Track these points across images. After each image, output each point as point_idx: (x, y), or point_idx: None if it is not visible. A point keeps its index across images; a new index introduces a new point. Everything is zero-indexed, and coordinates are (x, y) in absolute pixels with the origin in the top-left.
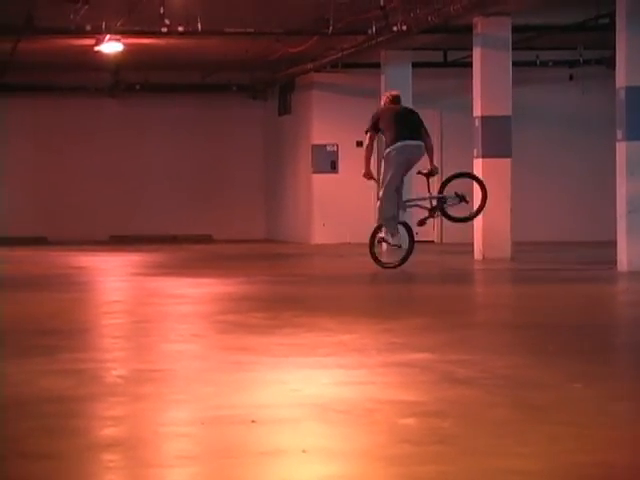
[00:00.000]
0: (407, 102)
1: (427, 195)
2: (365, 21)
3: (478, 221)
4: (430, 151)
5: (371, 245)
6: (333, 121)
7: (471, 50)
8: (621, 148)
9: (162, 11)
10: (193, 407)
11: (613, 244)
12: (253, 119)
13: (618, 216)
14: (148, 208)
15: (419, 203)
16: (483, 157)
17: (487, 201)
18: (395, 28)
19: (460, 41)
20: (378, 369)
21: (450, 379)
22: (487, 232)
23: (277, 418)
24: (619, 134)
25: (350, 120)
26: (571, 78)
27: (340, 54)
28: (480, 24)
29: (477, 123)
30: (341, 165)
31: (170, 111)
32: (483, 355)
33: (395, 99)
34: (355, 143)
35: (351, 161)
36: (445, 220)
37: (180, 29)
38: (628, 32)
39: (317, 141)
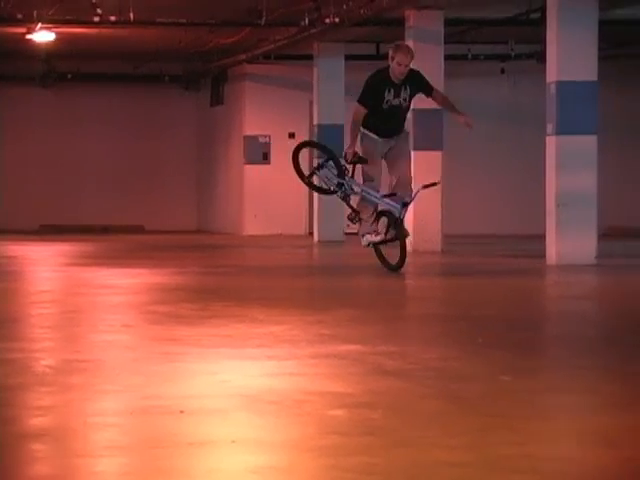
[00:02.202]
0: (340, 94)
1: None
2: (298, 13)
3: (409, 214)
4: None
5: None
6: (265, 112)
7: None
8: (551, 142)
9: (94, 0)
10: (122, 397)
11: (544, 237)
12: (185, 110)
13: (547, 210)
14: (79, 198)
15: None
16: (415, 150)
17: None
18: (328, 20)
19: (393, 34)
20: (308, 360)
21: (380, 371)
22: (418, 225)
23: (206, 409)
24: (549, 128)
25: (282, 111)
26: (503, 72)
27: (273, 45)
28: (412, 17)
29: (409, 116)
30: (273, 156)
31: (102, 101)
32: (413, 347)
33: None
34: (287, 134)
35: (283, 152)
36: None
37: (112, 19)
38: (558, 27)
39: (249, 132)
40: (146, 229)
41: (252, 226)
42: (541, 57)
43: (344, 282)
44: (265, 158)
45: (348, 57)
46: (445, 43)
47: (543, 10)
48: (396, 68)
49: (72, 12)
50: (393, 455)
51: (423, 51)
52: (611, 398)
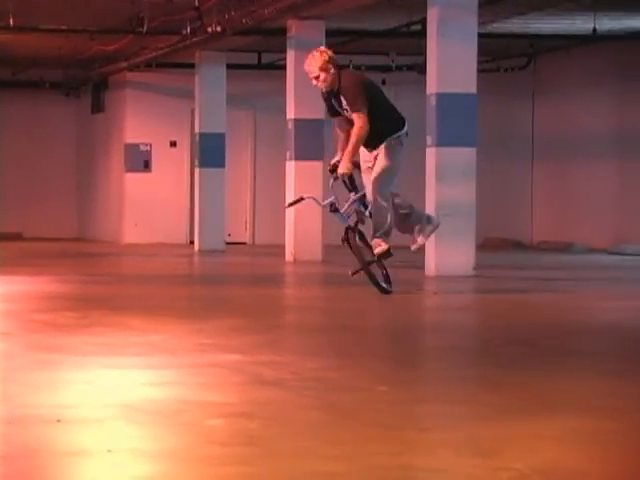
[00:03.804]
0: (221, 103)
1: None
2: (180, 21)
3: (289, 223)
4: None
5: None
6: (147, 120)
7: (285, 53)
8: (430, 154)
9: None
10: None
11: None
12: (66, 116)
13: None
14: None
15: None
16: (296, 159)
17: None
18: (210, 29)
19: (275, 43)
20: (187, 370)
21: (259, 380)
22: (298, 234)
23: (83, 418)
24: (429, 140)
25: (164, 120)
26: (384, 83)
27: (154, 53)
28: (294, 27)
29: (290, 125)
30: (154, 164)
31: None
32: (292, 357)
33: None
34: (169, 143)
35: (164, 161)
36: (258, 220)
37: None
38: (438, 39)
39: (130, 140)
40: (24, 236)
41: (133, 234)
42: (422, 69)
43: (224, 291)
44: (146, 166)
45: (230, 66)
46: None
47: (424, 22)
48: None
49: None
50: (270, 465)
51: (304, 61)
52: (487, 408)
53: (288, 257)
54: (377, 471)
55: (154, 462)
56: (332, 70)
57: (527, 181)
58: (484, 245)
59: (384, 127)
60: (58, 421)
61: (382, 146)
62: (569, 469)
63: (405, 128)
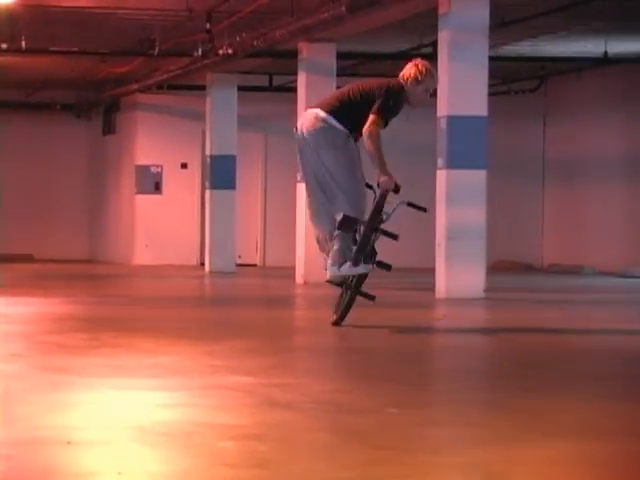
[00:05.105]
0: (232, 125)
1: None
2: (191, 43)
3: (300, 245)
4: None
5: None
6: (157, 142)
7: (296, 75)
8: (441, 176)
9: None
10: (9, 428)
11: (434, 270)
12: (77, 138)
13: (437, 243)
14: None
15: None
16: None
17: None
18: (221, 51)
19: (286, 66)
20: (199, 391)
21: (271, 403)
22: (309, 256)
23: (93, 440)
24: (439, 162)
25: (175, 141)
26: None
27: (165, 75)
28: (305, 50)
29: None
30: (165, 186)
31: None
32: (303, 379)
33: None
34: (180, 165)
35: (175, 182)
36: (268, 242)
37: (4, 46)
38: (449, 61)
39: (141, 162)
40: (35, 258)
41: (143, 256)
42: (433, 91)
43: (236, 313)
44: (157, 188)
45: (241, 88)
46: (337, 75)
47: (434, 45)
48: (421, 95)
49: None
50: None
51: (316, 83)
52: (498, 431)
53: (298, 279)
54: None
55: None
56: None
57: (538, 204)
58: (494, 268)
59: None
60: (68, 443)
61: None
62: None
63: None
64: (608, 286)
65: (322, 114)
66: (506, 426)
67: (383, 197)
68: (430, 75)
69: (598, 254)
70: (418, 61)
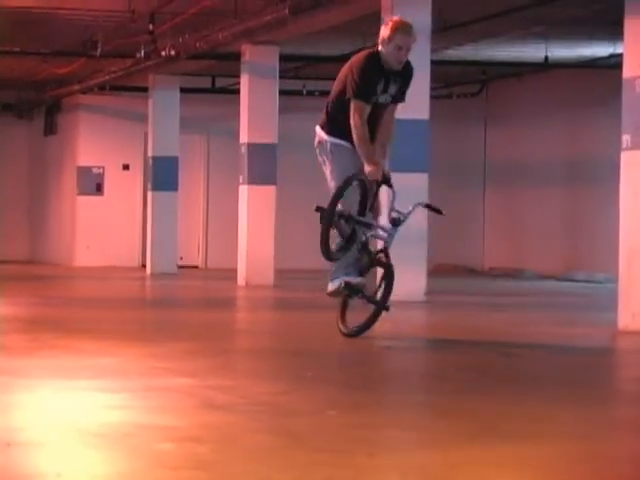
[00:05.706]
0: (175, 126)
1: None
2: (134, 44)
3: (242, 247)
4: None
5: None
6: (99, 143)
7: (239, 77)
8: None
9: None
10: None
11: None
12: (18, 138)
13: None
14: None
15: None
16: (249, 184)
17: None
18: (163, 53)
19: (229, 68)
20: (138, 393)
21: (210, 404)
22: (250, 259)
23: (33, 441)
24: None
25: (117, 143)
26: None
27: (108, 76)
28: (248, 52)
29: (243, 150)
30: (107, 187)
31: None
32: (243, 381)
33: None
34: (122, 166)
35: (117, 184)
36: (210, 244)
37: None
38: None
39: (83, 163)
40: None
41: (84, 257)
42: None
43: (177, 315)
44: (99, 189)
45: (183, 90)
46: (280, 78)
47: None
48: (394, 53)
49: None
50: None
51: (258, 85)
52: (437, 434)
53: (240, 281)
54: None
55: None
56: None
57: (479, 207)
58: (435, 271)
59: None
60: (8, 445)
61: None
62: None
63: None
64: (547, 290)
65: (317, 129)
66: (445, 429)
67: (364, 183)
68: (399, 31)
69: (538, 258)
70: (389, 19)
